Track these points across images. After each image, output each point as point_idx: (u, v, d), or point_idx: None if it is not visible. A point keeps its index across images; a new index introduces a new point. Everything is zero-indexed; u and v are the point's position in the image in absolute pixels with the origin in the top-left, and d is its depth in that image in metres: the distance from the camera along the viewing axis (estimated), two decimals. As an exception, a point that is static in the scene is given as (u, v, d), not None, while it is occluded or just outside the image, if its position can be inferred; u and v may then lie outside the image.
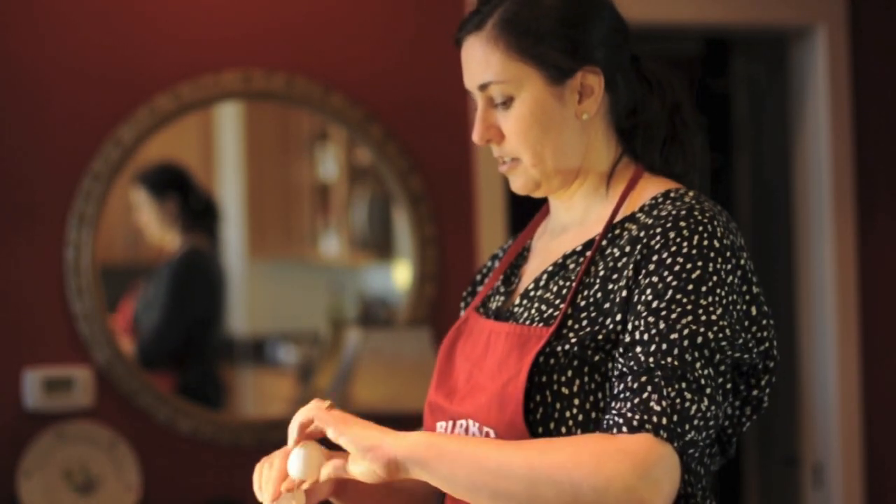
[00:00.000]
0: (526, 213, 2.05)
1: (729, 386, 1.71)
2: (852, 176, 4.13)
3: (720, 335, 1.66)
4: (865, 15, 4.16)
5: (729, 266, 1.70)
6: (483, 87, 1.80)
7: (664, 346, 1.64)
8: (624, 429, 1.62)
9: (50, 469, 3.47)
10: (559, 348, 1.71)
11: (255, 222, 4.57)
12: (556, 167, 1.81)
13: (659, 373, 1.63)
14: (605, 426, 1.65)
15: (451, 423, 1.81)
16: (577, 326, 1.72)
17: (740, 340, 1.71)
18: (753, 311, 1.74)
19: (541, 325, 1.75)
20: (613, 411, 1.65)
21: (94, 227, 3.55)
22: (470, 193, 3.84)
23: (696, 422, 1.63)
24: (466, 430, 1.78)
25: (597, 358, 1.70)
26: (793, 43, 4.23)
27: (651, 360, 1.64)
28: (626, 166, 1.85)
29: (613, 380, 1.68)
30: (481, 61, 1.80)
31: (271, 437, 3.68)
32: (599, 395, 1.70)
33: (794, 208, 4.26)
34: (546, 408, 1.70)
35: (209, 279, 4.23)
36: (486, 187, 3.83)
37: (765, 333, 1.75)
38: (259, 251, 4.56)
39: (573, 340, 1.71)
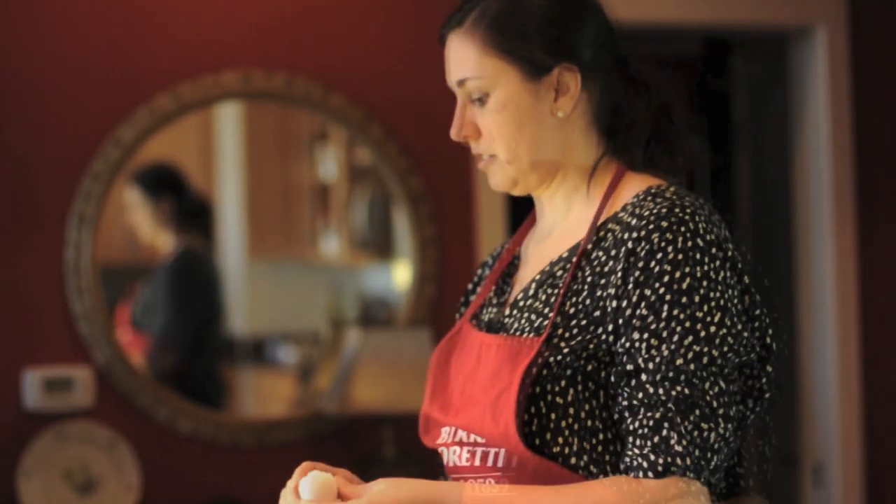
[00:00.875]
0: (526, 213, 2.05)
1: (735, 388, 1.71)
2: (852, 176, 4.13)
3: (724, 347, 1.66)
4: (865, 15, 4.16)
5: (717, 262, 1.69)
6: (461, 84, 1.81)
7: (671, 374, 1.64)
8: (650, 474, 1.63)
9: (50, 469, 3.46)
10: (552, 359, 1.70)
11: (255, 222, 4.56)
12: (532, 163, 1.81)
13: (672, 406, 1.64)
14: (627, 464, 1.66)
15: (452, 429, 1.80)
16: (567, 335, 1.71)
17: (744, 341, 1.70)
18: (746, 300, 1.74)
19: (531, 335, 1.75)
20: (635, 450, 1.65)
21: (94, 227, 3.55)
22: (470, 193, 3.84)
23: (716, 446, 1.65)
24: (468, 435, 1.78)
25: (590, 367, 1.70)
26: (793, 43, 4.23)
27: (661, 391, 1.64)
28: (608, 164, 1.84)
29: (623, 410, 1.68)
30: (459, 57, 1.81)
31: (271, 437, 3.68)
32: (594, 403, 1.70)
33: (794, 208, 4.26)
34: (541, 419, 1.70)
35: (206, 279, 4.23)
36: (486, 187, 3.82)
37: (757, 323, 1.75)
38: (259, 251, 4.56)
39: (565, 351, 1.70)
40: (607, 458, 1.70)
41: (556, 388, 1.70)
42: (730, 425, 1.66)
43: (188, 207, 4.18)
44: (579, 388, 1.70)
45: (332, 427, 3.70)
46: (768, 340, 1.77)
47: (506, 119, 1.79)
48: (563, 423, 1.70)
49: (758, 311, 1.75)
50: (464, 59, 1.80)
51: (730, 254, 1.72)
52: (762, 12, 4.11)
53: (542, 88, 1.80)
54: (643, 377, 1.65)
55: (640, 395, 1.65)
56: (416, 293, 3.82)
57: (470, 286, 2.02)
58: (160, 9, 3.63)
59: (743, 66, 4.66)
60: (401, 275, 4.10)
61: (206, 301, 4.18)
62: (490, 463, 1.74)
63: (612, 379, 1.69)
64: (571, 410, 1.70)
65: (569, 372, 1.69)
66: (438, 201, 3.83)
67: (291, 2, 3.72)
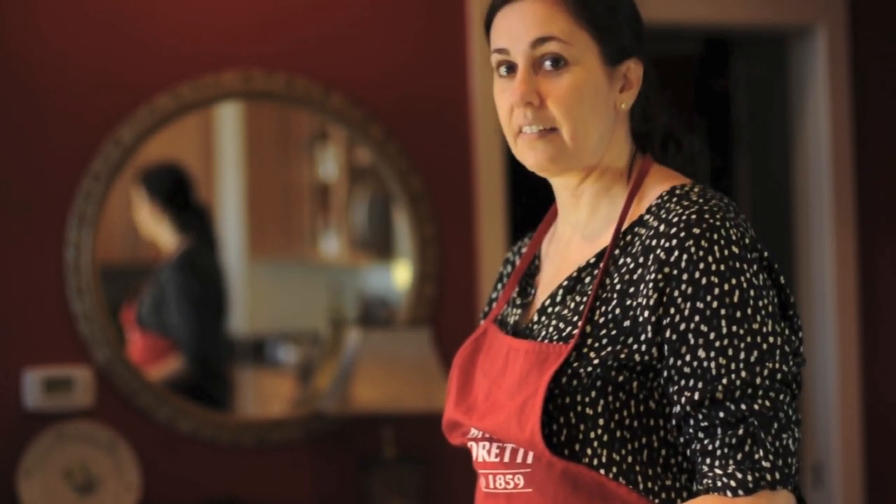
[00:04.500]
0: (526, 213, 2.04)
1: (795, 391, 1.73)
2: (852, 175, 4.13)
3: (787, 357, 1.66)
4: (865, 15, 4.16)
5: (755, 266, 1.68)
6: (538, 43, 1.74)
7: (749, 391, 1.63)
8: (740, 492, 1.61)
9: (50, 469, 3.46)
10: (582, 370, 1.68)
11: (255, 222, 4.57)
12: (591, 148, 1.76)
13: (753, 421, 1.63)
14: (709, 485, 1.64)
15: (479, 432, 1.79)
16: (597, 345, 1.69)
17: (794, 344, 1.71)
18: (783, 298, 1.73)
19: (559, 342, 1.72)
20: (717, 470, 1.64)
21: (94, 227, 3.55)
22: (470, 193, 3.84)
23: (794, 449, 1.65)
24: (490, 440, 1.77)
25: (621, 378, 1.68)
26: (793, 43, 4.23)
27: (743, 406, 1.63)
28: (636, 165, 1.82)
29: (697, 430, 1.66)
30: (545, 17, 1.73)
31: (271, 437, 3.68)
32: (624, 413, 1.69)
33: (794, 208, 4.26)
34: (570, 429, 1.69)
35: (213, 275, 4.23)
36: (486, 187, 3.82)
37: (796, 320, 1.75)
38: (259, 251, 4.56)
39: (595, 362, 1.68)
40: (637, 468, 1.69)
41: (586, 399, 1.68)
42: (798, 428, 1.66)
43: (191, 208, 4.18)
44: (609, 398, 1.68)
45: (332, 427, 3.70)
46: (800, 335, 1.76)
47: (584, 95, 1.73)
48: (593, 434, 1.68)
49: (791, 312, 1.74)
50: (552, 19, 1.73)
51: (764, 254, 1.71)
52: (762, 12, 4.11)
53: (615, 77, 1.77)
54: (719, 396, 1.63)
55: (721, 414, 1.63)
56: (416, 293, 3.82)
57: (499, 285, 1.98)
58: (160, 9, 3.63)
59: (743, 66, 4.66)
60: (401, 275, 4.10)
61: (216, 296, 4.18)
62: (519, 460, 1.74)
63: (672, 398, 1.67)
64: (601, 421, 1.68)
65: (599, 383, 1.68)
66: (438, 201, 3.83)
67: (291, 2, 3.72)
